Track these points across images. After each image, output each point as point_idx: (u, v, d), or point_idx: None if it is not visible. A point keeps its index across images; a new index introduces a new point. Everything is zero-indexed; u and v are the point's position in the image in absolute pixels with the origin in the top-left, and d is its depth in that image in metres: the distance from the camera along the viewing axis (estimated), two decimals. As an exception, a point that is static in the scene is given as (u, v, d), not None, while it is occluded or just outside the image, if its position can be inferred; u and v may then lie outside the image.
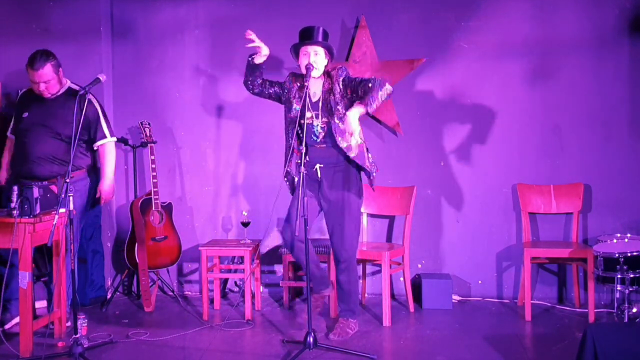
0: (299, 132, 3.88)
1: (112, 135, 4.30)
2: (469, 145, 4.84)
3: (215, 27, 5.03)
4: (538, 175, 4.76)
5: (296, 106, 3.87)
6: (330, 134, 3.85)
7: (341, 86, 3.84)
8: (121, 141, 4.97)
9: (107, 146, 4.28)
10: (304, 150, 3.68)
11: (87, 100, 4.04)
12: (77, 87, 4.20)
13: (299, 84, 3.95)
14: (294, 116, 3.88)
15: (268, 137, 4.97)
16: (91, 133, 4.24)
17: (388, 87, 3.72)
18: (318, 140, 3.89)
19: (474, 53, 4.79)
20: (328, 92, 3.86)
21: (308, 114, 3.86)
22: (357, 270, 4.04)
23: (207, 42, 5.04)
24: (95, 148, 4.28)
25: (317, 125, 3.87)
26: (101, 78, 3.81)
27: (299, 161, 3.81)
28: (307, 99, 3.83)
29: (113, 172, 4.30)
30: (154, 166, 4.68)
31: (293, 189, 4.03)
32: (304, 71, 3.85)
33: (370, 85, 3.73)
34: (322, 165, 3.91)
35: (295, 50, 3.97)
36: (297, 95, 3.91)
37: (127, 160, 5.15)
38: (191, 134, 5.11)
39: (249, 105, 5.04)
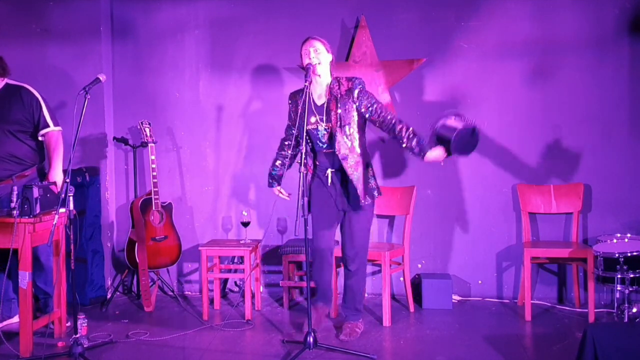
0: (300, 136, 3.84)
1: (56, 125, 4.15)
2: (469, 145, 4.84)
3: (215, 27, 5.03)
4: (538, 175, 4.76)
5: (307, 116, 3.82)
6: (332, 139, 3.84)
7: (356, 96, 3.82)
8: (121, 141, 4.98)
9: (52, 134, 4.13)
10: (303, 150, 3.67)
11: (26, 91, 4.08)
12: (14, 83, 4.17)
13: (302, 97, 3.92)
14: (308, 127, 3.85)
15: (268, 137, 4.97)
16: (35, 122, 4.12)
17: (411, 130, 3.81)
18: (324, 145, 3.89)
19: (474, 53, 4.79)
20: (336, 97, 3.83)
21: (312, 119, 3.85)
22: (366, 273, 4.05)
23: (207, 42, 5.05)
24: (40, 138, 4.15)
25: (322, 129, 3.86)
26: (101, 78, 3.82)
27: (299, 161, 3.80)
28: (311, 102, 3.82)
29: (61, 161, 4.13)
30: (154, 166, 4.68)
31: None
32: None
33: (399, 129, 3.82)
34: (333, 170, 3.90)
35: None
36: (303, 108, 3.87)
37: (127, 160, 5.15)
38: (191, 134, 5.11)
39: (249, 105, 5.04)
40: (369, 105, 3.84)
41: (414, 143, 3.79)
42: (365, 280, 4.07)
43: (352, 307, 4.02)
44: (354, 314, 4.03)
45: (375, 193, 3.93)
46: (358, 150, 3.84)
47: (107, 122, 5.06)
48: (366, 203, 3.86)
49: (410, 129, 3.81)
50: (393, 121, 3.83)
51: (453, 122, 3.72)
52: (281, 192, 4.20)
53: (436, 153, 3.76)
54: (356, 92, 3.82)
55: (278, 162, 4.16)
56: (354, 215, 3.91)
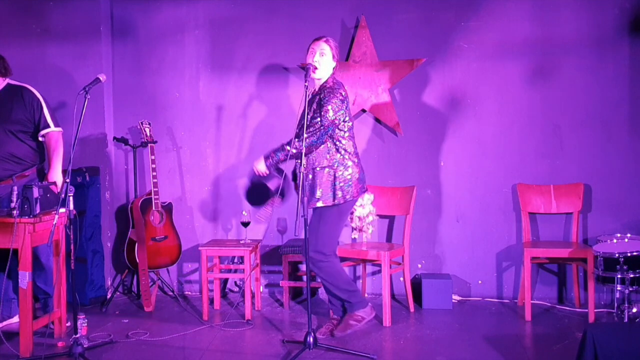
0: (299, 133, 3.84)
1: (56, 126, 4.14)
2: (469, 146, 4.84)
3: (215, 27, 5.03)
4: (538, 175, 4.76)
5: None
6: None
7: (320, 99, 3.79)
8: (121, 141, 4.98)
9: (53, 135, 4.12)
10: (304, 151, 3.67)
11: (27, 91, 4.08)
12: (16, 83, 4.17)
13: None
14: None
15: (268, 137, 4.97)
16: (35, 123, 4.12)
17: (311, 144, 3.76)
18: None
19: (474, 53, 4.79)
20: (312, 97, 3.83)
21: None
22: (330, 266, 3.91)
23: (207, 42, 5.05)
24: (40, 139, 4.14)
25: None
26: (101, 78, 3.82)
27: (299, 161, 3.80)
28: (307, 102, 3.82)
29: (61, 163, 4.12)
30: (154, 166, 4.69)
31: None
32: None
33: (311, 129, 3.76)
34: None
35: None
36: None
37: (127, 160, 5.15)
38: (191, 134, 5.11)
39: (248, 105, 5.04)
40: (319, 106, 3.78)
41: (286, 151, 3.81)
42: (334, 276, 3.94)
43: (336, 304, 4.03)
44: (348, 307, 4.01)
45: (320, 202, 3.83)
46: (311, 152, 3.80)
47: (107, 122, 5.06)
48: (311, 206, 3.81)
49: (295, 148, 3.76)
50: (308, 134, 3.75)
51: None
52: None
53: (260, 164, 3.92)
54: (321, 95, 3.80)
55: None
56: (313, 214, 3.91)
